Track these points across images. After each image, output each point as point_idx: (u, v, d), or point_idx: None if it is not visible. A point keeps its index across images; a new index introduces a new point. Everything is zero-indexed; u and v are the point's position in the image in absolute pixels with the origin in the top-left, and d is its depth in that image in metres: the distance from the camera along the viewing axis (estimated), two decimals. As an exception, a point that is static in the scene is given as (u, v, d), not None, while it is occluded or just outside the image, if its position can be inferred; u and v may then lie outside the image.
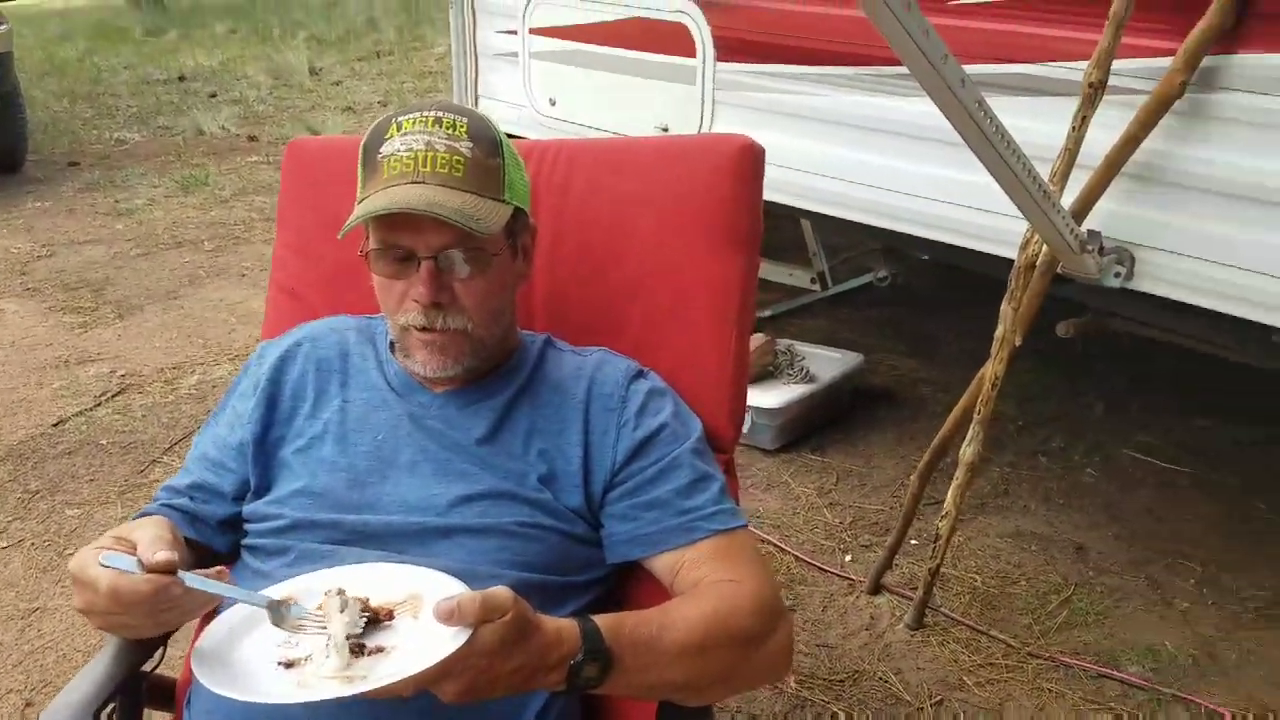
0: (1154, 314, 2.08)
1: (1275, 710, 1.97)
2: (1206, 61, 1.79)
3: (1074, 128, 1.86)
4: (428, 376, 1.26)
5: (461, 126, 1.19)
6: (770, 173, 2.46)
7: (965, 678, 2.07)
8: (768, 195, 2.50)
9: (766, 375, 3.06)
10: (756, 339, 3.10)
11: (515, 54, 3.08)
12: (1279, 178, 1.77)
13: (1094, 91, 1.83)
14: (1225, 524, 2.53)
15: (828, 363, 3.12)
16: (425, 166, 1.16)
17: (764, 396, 2.93)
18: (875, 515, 2.62)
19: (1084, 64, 1.85)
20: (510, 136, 1.28)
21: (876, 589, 2.34)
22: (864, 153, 2.34)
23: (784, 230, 3.80)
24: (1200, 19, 1.76)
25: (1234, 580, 2.33)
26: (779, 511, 2.66)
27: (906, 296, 3.78)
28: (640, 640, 1.04)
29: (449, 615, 0.91)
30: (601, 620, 1.02)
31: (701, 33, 2.59)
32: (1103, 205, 1.91)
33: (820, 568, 2.43)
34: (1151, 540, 2.48)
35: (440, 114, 1.19)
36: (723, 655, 1.10)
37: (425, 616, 0.95)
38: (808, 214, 2.67)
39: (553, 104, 3.01)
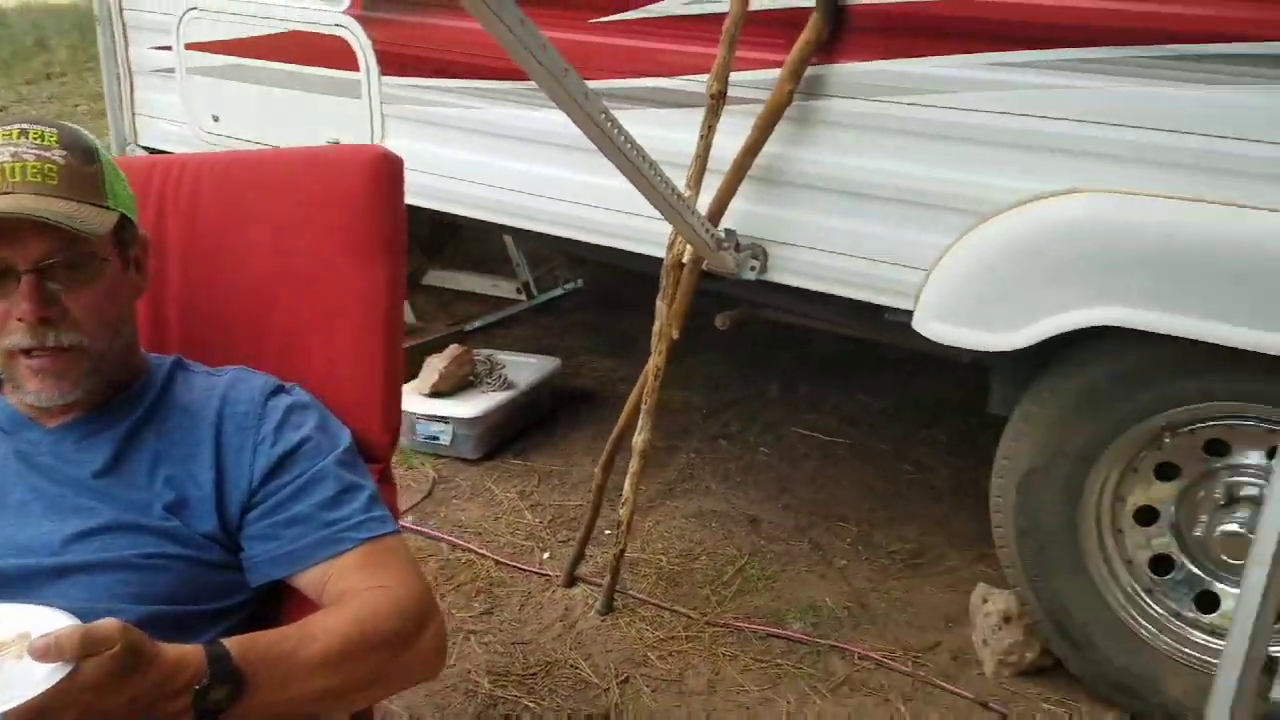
0: (796, 302, 2.28)
1: (916, 649, 2.21)
2: (810, 71, 1.97)
3: (702, 136, 2.01)
4: (44, 407, 1.20)
5: (51, 137, 1.16)
6: (442, 184, 2.53)
7: (649, 653, 2.19)
8: (444, 206, 2.56)
9: (466, 385, 3.08)
10: (453, 350, 3.12)
11: (172, 70, 2.94)
12: (877, 173, 1.98)
13: (716, 102, 1.99)
14: (877, 486, 2.80)
15: (526, 369, 3.19)
16: (14, 176, 1.12)
17: (462, 407, 2.96)
18: (574, 511, 2.70)
19: (706, 77, 2.01)
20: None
21: (572, 581, 2.42)
22: (525, 162, 2.41)
23: (488, 242, 3.85)
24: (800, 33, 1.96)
25: (884, 536, 2.59)
26: (481, 518, 2.70)
27: (609, 300, 3.91)
28: (275, 657, 1.04)
29: (45, 651, 0.88)
30: (232, 642, 1.01)
31: (362, 46, 2.58)
32: (735, 206, 2.08)
33: (519, 568, 2.49)
34: (815, 507, 2.70)
35: (26, 126, 1.16)
36: (368, 660, 1.11)
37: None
38: (496, 225, 2.72)
39: (216, 121, 2.90)
